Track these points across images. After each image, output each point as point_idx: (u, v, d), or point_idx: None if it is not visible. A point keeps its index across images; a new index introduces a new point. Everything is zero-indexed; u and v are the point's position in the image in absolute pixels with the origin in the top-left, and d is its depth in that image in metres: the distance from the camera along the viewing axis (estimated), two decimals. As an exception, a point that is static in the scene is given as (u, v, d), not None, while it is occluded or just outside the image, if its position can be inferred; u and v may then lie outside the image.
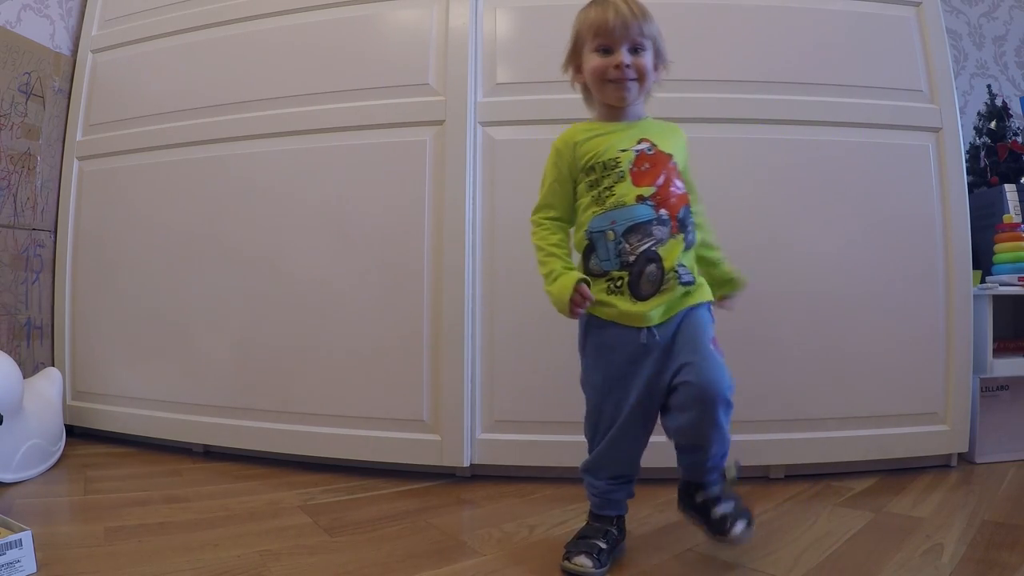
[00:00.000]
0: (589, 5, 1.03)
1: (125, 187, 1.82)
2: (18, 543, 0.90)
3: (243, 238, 1.66)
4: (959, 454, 1.55)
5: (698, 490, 0.99)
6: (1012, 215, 1.78)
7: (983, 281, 1.68)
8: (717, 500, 0.96)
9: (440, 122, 1.53)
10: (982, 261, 1.75)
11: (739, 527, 0.93)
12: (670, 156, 1.00)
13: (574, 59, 1.05)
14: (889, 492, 1.35)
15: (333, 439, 1.54)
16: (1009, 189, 1.84)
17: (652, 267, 0.95)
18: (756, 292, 1.46)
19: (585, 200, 1.00)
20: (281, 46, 1.67)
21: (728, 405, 0.93)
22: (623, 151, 0.99)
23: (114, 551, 1.01)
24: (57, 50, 1.94)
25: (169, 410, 1.70)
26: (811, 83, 1.52)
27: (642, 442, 1.01)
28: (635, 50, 0.99)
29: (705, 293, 1.00)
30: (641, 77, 0.99)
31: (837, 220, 1.50)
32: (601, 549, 0.95)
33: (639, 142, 0.99)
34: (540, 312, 1.46)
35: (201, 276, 1.70)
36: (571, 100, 1.44)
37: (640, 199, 0.96)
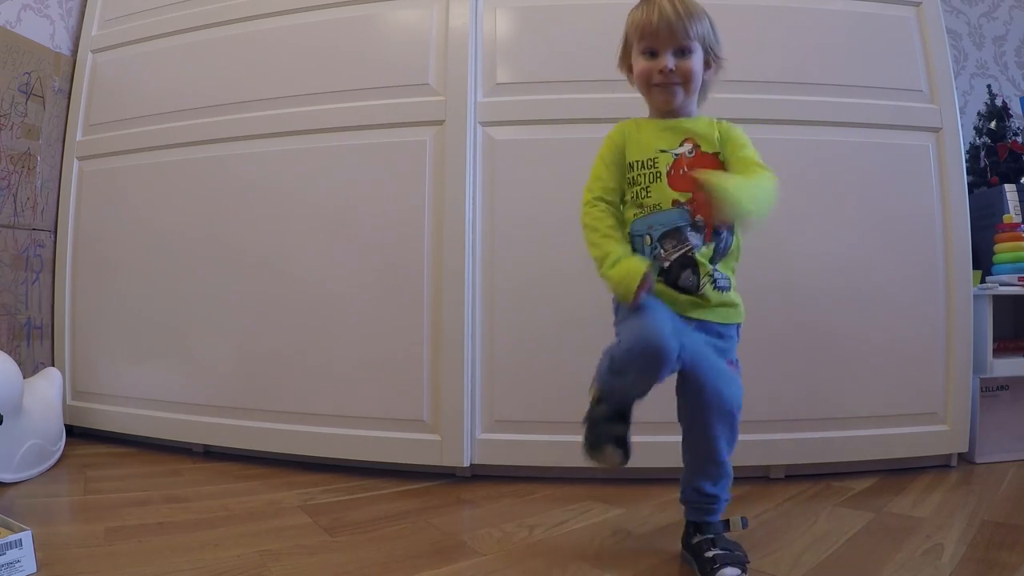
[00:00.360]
0: (637, 4, 1.00)
1: (125, 187, 1.82)
2: (18, 543, 0.90)
3: (243, 238, 1.66)
4: (959, 454, 1.55)
5: (696, 532, 0.98)
6: (1012, 215, 1.78)
7: (983, 281, 1.68)
8: (712, 543, 0.94)
9: (440, 122, 1.53)
10: (982, 261, 1.75)
11: (728, 571, 0.88)
12: (715, 156, 0.97)
13: (626, 59, 1.04)
14: (889, 492, 1.35)
15: (333, 439, 1.53)
16: (1009, 189, 1.84)
17: (687, 272, 0.94)
18: (755, 292, 1.47)
19: (628, 198, 0.99)
20: (281, 46, 1.67)
21: (732, 417, 0.95)
22: (662, 152, 0.97)
23: (114, 551, 1.01)
24: (57, 50, 1.94)
25: (169, 410, 1.70)
26: (811, 83, 1.52)
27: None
28: (681, 52, 0.96)
29: (739, 314, 0.99)
30: (686, 81, 0.96)
31: (837, 220, 1.50)
32: (623, 437, 0.94)
33: (682, 143, 0.97)
34: (540, 312, 1.47)
35: (201, 276, 1.70)
36: (571, 100, 1.45)
37: (676, 203, 0.94)
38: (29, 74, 1.80)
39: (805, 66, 1.52)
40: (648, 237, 0.95)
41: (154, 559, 0.98)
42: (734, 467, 1.44)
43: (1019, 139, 2.05)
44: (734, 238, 0.98)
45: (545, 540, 1.09)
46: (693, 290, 0.94)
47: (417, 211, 1.53)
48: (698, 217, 0.94)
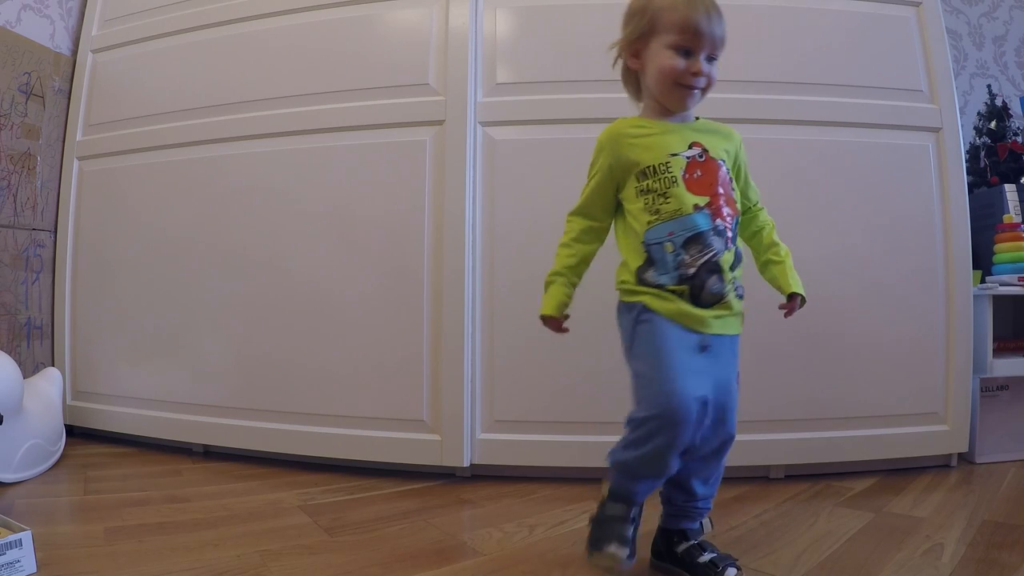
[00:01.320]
0: None
1: (125, 187, 1.82)
2: (18, 543, 0.90)
3: (243, 238, 1.66)
4: (959, 454, 1.55)
5: (680, 540, 0.95)
6: (1012, 215, 1.78)
7: (983, 281, 1.68)
8: (702, 548, 0.93)
9: (440, 122, 1.53)
10: (982, 261, 1.75)
11: (731, 572, 0.88)
12: (720, 163, 0.94)
13: (636, 44, 0.94)
14: (889, 492, 1.35)
15: (333, 439, 1.54)
16: (1009, 189, 1.84)
17: (714, 278, 0.89)
18: (754, 291, 1.47)
19: (636, 206, 0.92)
20: (281, 46, 1.67)
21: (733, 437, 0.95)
22: (674, 155, 0.92)
23: (114, 551, 1.01)
24: (57, 50, 1.94)
25: (169, 410, 1.70)
26: (811, 83, 1.52)
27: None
28: (710, 59, 0.92)
29: (742, 323, 0.97)
30: (708, 87, 0.94)
31: (836, 220, 1.50)
32: (628, 537, 0.90)
33: (691, 146, 0.93)
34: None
35: (201, 276, 1.70)
36: (571, 100, 1.45)
37: (696, 208, 0.90)
38: (29, 74, 1.80)
39: (805, 66, 1.52)
40: (670, 244, 0.89)
41: (154, 559, 0.98)
42: (733, 467, 1.45)
43: (1019, 139, 2.05)
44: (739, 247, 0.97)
45: (545, 540, 1.10)
46: (720, 297, 0.90)
47: (417, 211, 1.53)
48: (718, 221, 0.90)
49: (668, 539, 0.97)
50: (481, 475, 1.49)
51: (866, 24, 1.55)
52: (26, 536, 0.91)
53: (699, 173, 0.91)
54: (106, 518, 1.17)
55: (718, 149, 0.95)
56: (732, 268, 0.91)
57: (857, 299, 1.49)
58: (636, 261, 0.92)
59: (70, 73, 1.94)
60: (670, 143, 0.93)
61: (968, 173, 1.65)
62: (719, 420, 0.91)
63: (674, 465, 0.88)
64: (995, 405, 1.59)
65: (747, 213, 1.03)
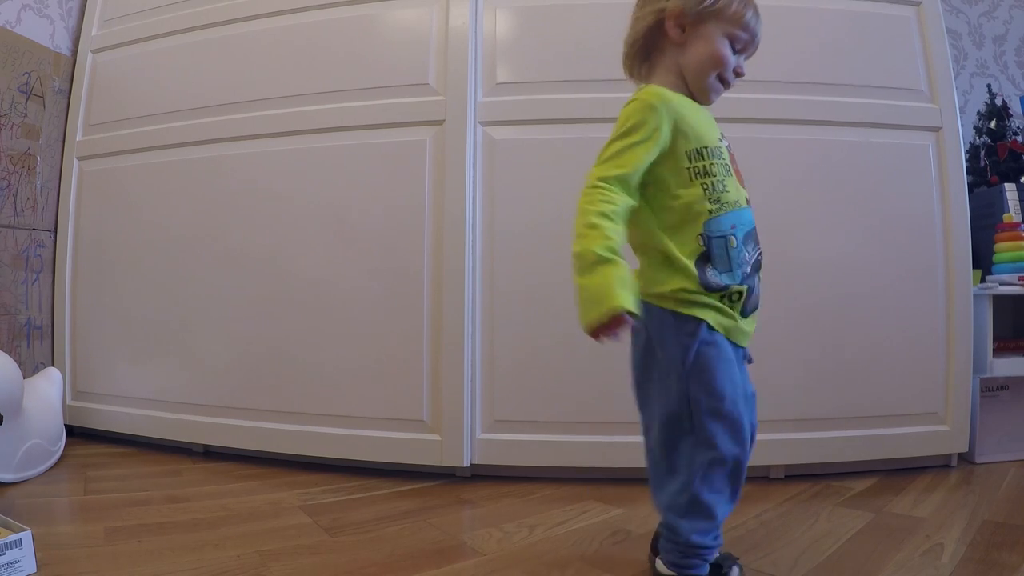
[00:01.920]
0: None
1: (125, 187, 1.82)
2: (18, 543, 0.90)
3: (243, 238, 1.66)
4: (959, 454, 1.55)
5: None
6: (1012, 215, 1.78)
7: (983, 281, 1.68)
8: None
9: (440, 122, 1.53)
10: (982, 261, 1.75)
11: (735, 572, 0.87)
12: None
13: (690, 18, 0.85)
14: (889, 492, 1.35)
15: (333, 439, 1.54)
16: (1009, 189, 1.84)
17: (756, 279, 0.85)
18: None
19: (694, 192, 0.82)
20: (281, 46, 1.67)
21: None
22: (721, 141, 0.86)
23: (114, 551, 1.01)
24: (57, 50, 1.94)
25: (169, 410, 1.70)
26: (811, 83, 1.52)
27: None
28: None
29: None
30: (727, 89, 0.90)
31: (836, 219, 1.50)
32: None
33: (722, 137, 0.88)
34: (540, 311, 1.47)
35: (201, 276, 1.70)
36: (571, 100, 1.45)
37: (748, 202, 0.86)
38: (29, 74, 1.80)
39: (805, 65, 1.52)
40: (733, 238, 0.81)
41: (154, 559, 0.98)
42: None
43: (1019, 139, 2.05)
44: None
45: (545, 540, 1.09)
46: (758, 301, 0.85)
47: (417, 211, 1.53)
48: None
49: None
50: (481, 475, 1.49)
51: (866, 24, 1.55)
52: (26, 536, 0.91)
53: (736, 166, 0.88)
54: (106, 518, 1.17)
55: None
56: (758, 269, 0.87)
57: (856, 299, 1.49)
58: (689, 258, 0.81)
59: (70, 73, 1.94)
60: (715, 128, 0.87)
61: (968, 173, 1.65)
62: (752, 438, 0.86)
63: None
64: (995, 405, 1.59)
65: None
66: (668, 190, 0.83)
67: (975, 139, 2.08)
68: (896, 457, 1.48)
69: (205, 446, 1.69)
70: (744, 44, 0.87)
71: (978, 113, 2.14)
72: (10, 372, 1.40)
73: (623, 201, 0.79)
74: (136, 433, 1.76)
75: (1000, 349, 1.64)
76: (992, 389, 1.59)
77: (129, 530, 1.11)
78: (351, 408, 1.54)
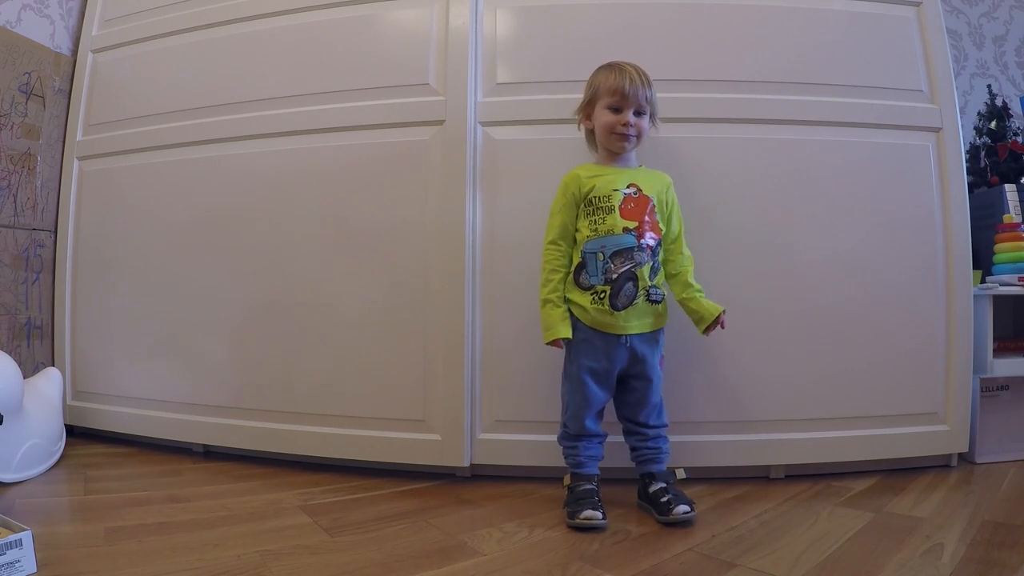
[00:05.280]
0: (607, 68, 1.28)
1: (125, 187, 1.82)
2: (18, 543, 0.90)
3: (243, 238, 1.66)
4: (959, 454, 1.55)
5: (651, 482, 1.22)
6: (1012, 215, 1.78)
7: (983, 281, 1.68)
8: (664, 491, 1.19)
9: (440, 122, 1.53)
10: (982, 261, 1.75)
11: (681, 508, 1.14)
12: (650, 199, 1.26)
13: (587, 109, 1.31)
14: (889, 492, 1.35)
15: (333, 439, 1.54)
16: (1009, 189, 1.84)
17: (629, 285, 1.21)
18: (755, 291, 1.47)
19: (583, 225, 1.26)
20: (281, 46, 1.67)
21: (659, 409, 1.26)
22: (615, 191, 1.25)
23: (114, 551, 1.01)
24: (57, 50, 1.94)
25: (169, 410, 1.70)
26: (811, 83, 1.52)
27: (603, 408, 1.28)
28: (638, 113, 1.25)
29: (664, 320, 1.27)
30: (639, 135, 1.27)
31: (836, 220, 1.50)
32: (599, 502, 1.18)
33: (628, 186, 1.26)
34: (539, 312, 1.47)
35: (201, 276, 1.70)
36: (571, 100, 1.45)
37: (625, 230, 1.22)
38: (29, 74, 1.80)
39: (805, 66, 1.52)
40: (600, 254, 1.22)
41: (154, 559, 0.98)
42: (733, 467, 1.46)
43: (1019, 139, 2.05)
44: (658, 260, 1.25)
45: (545, 540, 1.09)
46: (631, 300, 1.20)
47: (417, 211, 1.52)
48: (642, 241, 1.21)
49: (643, 482, 1.24)
50: (481, 475, 1.49)
51: (866, 24, 1.55)
52: (26, 536, 0.91)
53: (632, 205, 1.24)
54: (106, 518, 1.17)
55: (649, 189, 1.27)
56: (651, 277, 1.22)
57: (856, 298, 1.49)
58: (575, 267, 1.26)
59: (70, 73, 1.94)
60: (614, 181, 1.26)
61: (968, 173, 1.65)
62: (635, 387, 1.26)
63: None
64: (995, 405, 1.59)
65: (667, 244, 1.29)
66: (578, 226, 1.28)
67: (975, 139, 2.09)
68: (896, 457, 1.48)
69: (205, 446, 1.69)
70: (624, 104, 1.24)
71: (978, 114, 2.14)
72: (10, 372, 1.40)
73: (562, 254, 1.28)
74: (136, 433, 1.76)
75: (1000, 349, 1.64)
76: (992, 389, 1.59)
77: (129, 530, 1.11)
78: (351, 408, 1.54)
